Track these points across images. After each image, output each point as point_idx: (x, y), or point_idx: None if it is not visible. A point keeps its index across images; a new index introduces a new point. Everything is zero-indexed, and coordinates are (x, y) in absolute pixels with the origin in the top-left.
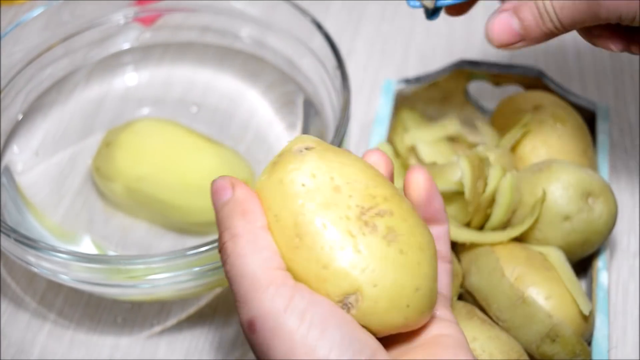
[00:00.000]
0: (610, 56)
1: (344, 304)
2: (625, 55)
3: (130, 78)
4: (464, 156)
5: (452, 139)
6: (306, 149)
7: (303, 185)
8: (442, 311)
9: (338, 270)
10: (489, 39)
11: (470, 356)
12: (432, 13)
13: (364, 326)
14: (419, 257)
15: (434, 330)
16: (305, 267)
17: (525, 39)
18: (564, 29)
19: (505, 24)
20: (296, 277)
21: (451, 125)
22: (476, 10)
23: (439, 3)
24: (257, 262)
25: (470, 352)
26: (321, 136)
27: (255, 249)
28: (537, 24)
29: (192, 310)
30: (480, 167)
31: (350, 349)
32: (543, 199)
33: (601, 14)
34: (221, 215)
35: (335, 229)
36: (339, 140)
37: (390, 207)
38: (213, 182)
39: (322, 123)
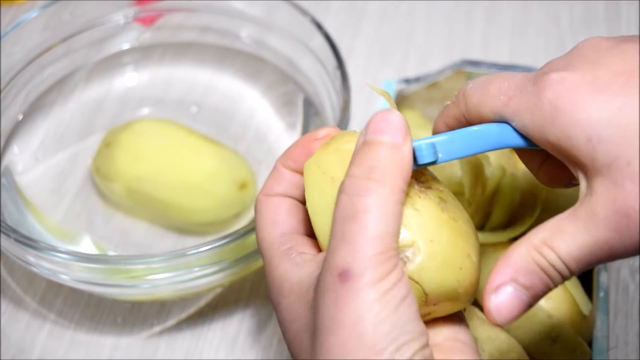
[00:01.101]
0: None
1: (401, 258)
2: None
3: (130, 78)
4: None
5: None
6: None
7: None
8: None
9: None
10: (494, 321)
11: None
12: None
13: (417, 282)
14: (468, 229)
15: (451, 332)
16: None
17: (533, 303)
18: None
19: (513, 298)
20: None
21: None
22: (476, 11)
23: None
24: (389, 225)
25: None
26: None
27: (390, 211)
28: (545, 285)
29: (192, 310)
30: (480, 167)
31: (411, 333)
32: (543, 199)
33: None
34: (382, 153)
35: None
36: None
37: (439, 185)
38: (388, 112)
39: (322, 123)
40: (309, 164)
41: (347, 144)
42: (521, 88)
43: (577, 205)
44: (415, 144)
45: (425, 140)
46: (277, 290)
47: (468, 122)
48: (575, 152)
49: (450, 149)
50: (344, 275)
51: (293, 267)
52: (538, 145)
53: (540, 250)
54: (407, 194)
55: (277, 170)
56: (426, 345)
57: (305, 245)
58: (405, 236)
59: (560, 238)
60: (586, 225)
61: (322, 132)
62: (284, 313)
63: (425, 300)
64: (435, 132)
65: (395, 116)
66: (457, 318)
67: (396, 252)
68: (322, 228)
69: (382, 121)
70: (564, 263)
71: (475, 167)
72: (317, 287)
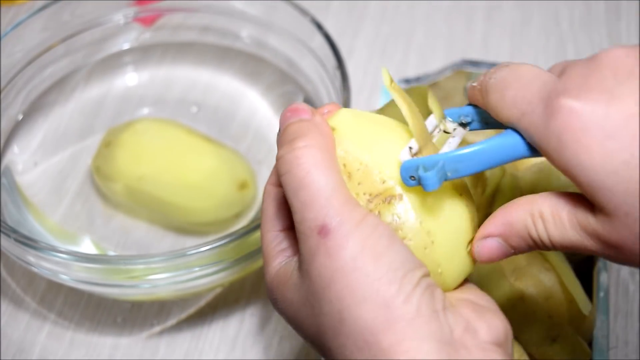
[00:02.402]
0: None
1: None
2: None
3: (130, 78)
4: None
5: None
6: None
7: None
8: None
9: None
10: (476, 258)
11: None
12: None
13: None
14: (425, 244)
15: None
16: None
17: (513, 255)
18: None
19: (496, 249)
20: None
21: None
22: (476, 11)
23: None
24: (336, 177)
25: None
26: None
27: (334, 166)
28: (529, 248)
29: (192, 310)
30: None
31: (412, 263)
32: None
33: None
34: (295, 127)
35: None
36: None
37: (398, 189)
38: (290, 105)
39: None
40: None
41: None
42: (534, 106)
43: (579, 206)
44: (423, 173)
45: (432, 159)
46: (270, 287)
47: (487, 113)
48: (578, 185)
49: (459, 169)
50: (324, 231)
51: (283, 267)
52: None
53: (536, 223)
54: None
55: None
56: (428, 274)
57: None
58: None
59: (555, 225)
60: (581, 234)
61: (327, 108)
62: (280, 304)
63: None
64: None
65: (298, 104)
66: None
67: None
68: None
69: (287, 112)
70: (552, 243)
71: None
72: (301, 257)
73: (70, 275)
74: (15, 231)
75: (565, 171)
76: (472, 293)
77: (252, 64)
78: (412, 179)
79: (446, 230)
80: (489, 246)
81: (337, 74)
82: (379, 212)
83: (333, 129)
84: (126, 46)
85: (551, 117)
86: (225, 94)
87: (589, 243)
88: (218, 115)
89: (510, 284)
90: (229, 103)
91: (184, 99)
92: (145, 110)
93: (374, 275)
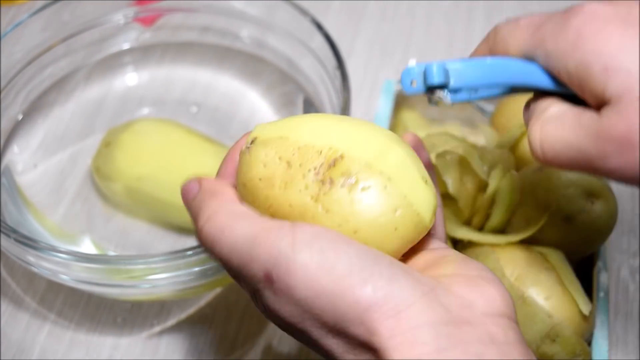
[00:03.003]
0: None
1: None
2: None
3: (130, 78)
4: (438, 156)
5: None
6: (252, 143)
7: (260, 179)
8: (437, 244)
9: None
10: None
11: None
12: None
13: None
14: (384, 183)
15: (435, 254)
16: None
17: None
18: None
19: None
20: None
21: (453, 130)
22: (476, 11)
23: (453, 99)
24: (245, 224)
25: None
26: None
27: (236, 215)
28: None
29: (192, 310)
30: (464, 164)
31: (368, 261)
32: (548, 210)
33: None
34: (192, 209)
35: (300, 203)
36: None
37: (338, 151)
38: (181, 188)
39: None
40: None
41: (247, 176)
42: (551, 17)
43: (585, 111)
44: (426, 64)
45: (437, 62)
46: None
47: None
48: (589, 82)
49: (464, 74)
50: (268, 279)
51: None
52: (558, 80)
53: (537, 121)
54: (313, 198)
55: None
56: (392, 260)
57: None
58: None
59: (555, 124)
60: (583, 135)
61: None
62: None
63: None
64: None
65: (183, 187)
66: (438, 246)
67: (274, 219)
68: None
69: (182, 194)
70: (542, 149)
71: (455, 163)
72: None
73: (70, 275)
74: (15, 231)
75: (579, 65)
76: (460, 265)
77: (252, 64)
78: (413, 84)
79: (395, 162)
80: None
81: (337, 74)
82: (330, 178)
83: (256, 138)
84: (126, 46)
85: (571, 17)
86: (225, 94)
87: (589, 148)
88: (218, 115)
89: (510, 284)
90: (229, 103)
91: (184, 99)
92: (145, 110)
93: (339, 290)
